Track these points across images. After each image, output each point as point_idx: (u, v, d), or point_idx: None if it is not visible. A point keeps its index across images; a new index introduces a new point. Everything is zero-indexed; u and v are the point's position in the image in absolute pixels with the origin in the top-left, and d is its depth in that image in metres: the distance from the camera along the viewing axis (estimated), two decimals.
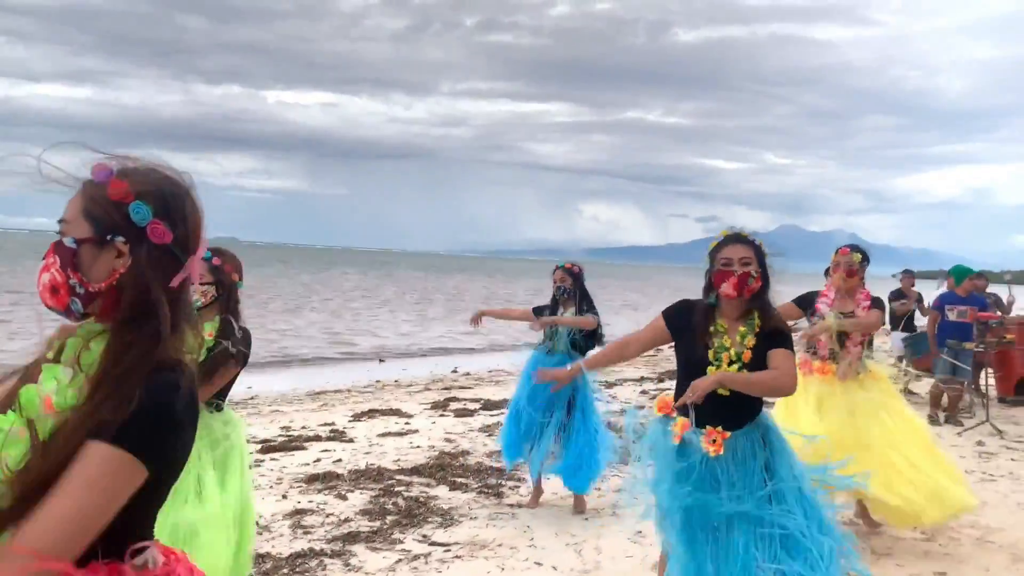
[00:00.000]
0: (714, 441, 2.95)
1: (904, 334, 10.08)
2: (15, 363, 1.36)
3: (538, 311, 5.22)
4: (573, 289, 5.07)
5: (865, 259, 4.65)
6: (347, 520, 4.85)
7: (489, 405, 9.16)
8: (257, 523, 4.71)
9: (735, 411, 2.98)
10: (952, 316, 8.33)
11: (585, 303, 5.06)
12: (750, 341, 3.02)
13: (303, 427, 8.10)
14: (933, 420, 8.12)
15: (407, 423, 8.12)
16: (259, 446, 6.93)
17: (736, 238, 3.07)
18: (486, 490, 5.56)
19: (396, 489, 5.54)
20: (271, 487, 5.59)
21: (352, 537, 4.53)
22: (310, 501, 5.25)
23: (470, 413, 8.77)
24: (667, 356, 14.46)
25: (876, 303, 4.58)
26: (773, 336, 2.99)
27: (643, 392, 10.65)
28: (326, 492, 5.46)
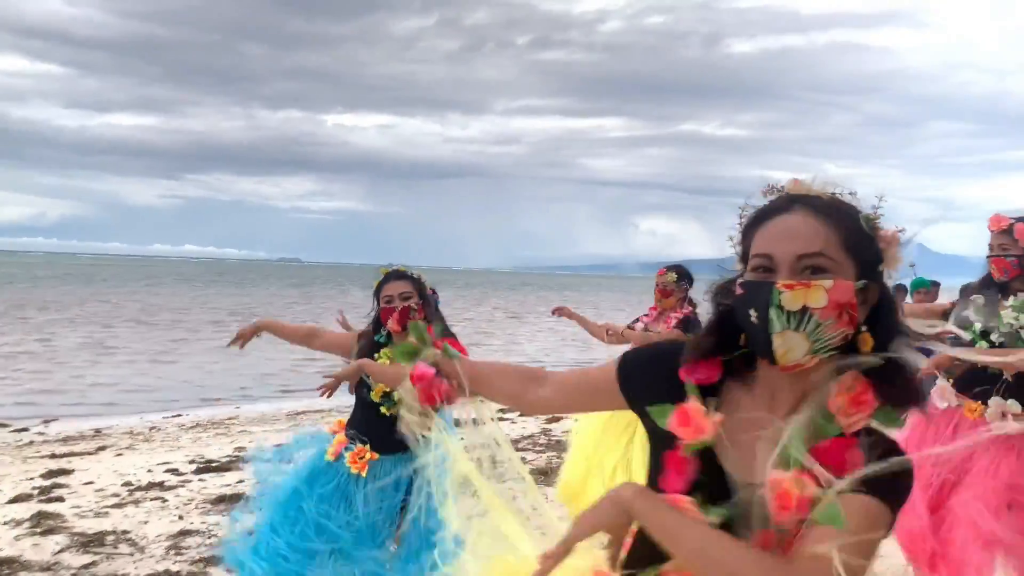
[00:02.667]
0: (360, 458, 3.09)
1: None
2: None
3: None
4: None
5: (683, 279, 4.58)
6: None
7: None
8: (133, 544, 4.83)
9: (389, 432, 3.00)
10: None
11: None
12: None
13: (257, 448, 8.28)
14: None
15: None
16: (194, 466, 7.10)
17: (395, 275, 3.28)
18: None
19: None
20: (177, 508, 5.71)
21: (216, 559, 4.59)
22: (203, 522, 5.33)
23: None
24: None
25: (683, 324, 4.40)
26: None
27: None
28: (227, 513, 5.54)
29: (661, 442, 1.23)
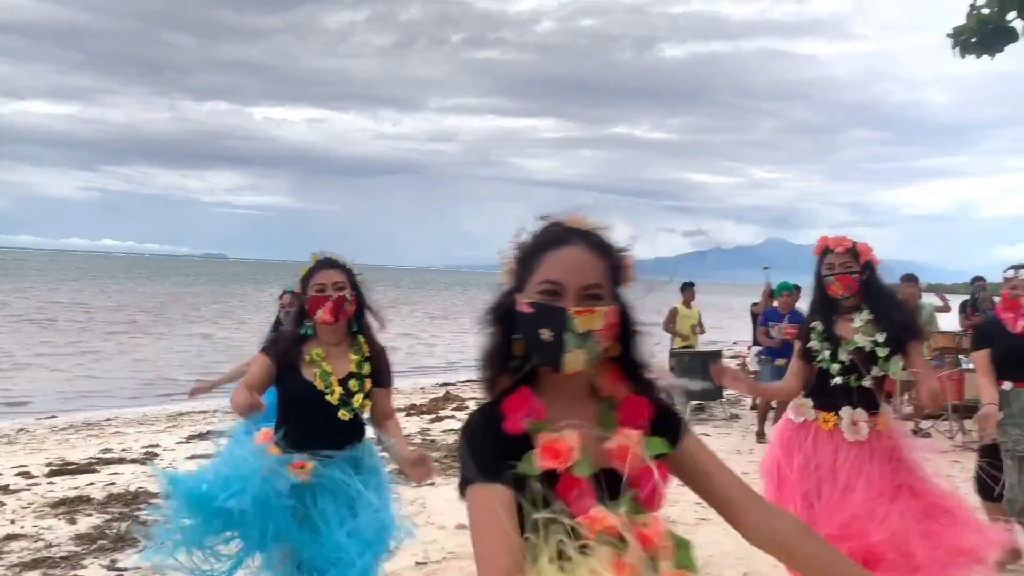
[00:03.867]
0: (302, 468, 2.96)
1: (758, 347, 10.16)
2: None
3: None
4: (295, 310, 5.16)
5: None
6: (52, 546, 4.87)
7: None
8: None
9: (339, 431, 3.07)
10: (774, 332, 8.42)
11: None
12: (366, 368, 3.10)
13: (123, 449, 8.16)
14: (761, 437, 8.26)
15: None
16: (48, 469, 6.97)
17: (328, 263, 3.09)
18: None
19: (139, 513, 5.56)
20: (14, 511, 5.62)
21: (37, 563, 4.56)
22: (34, 527, 5.27)
23: None
24: None
25: None
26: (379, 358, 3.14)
27: None
28: (61, 517, 5.48)
29: (545, 485, 1.30)
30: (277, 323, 5.19)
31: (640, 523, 1.29)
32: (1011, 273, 4.27)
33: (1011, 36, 7.46)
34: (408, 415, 10.04)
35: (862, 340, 3.33)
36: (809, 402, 3.43)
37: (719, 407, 10.01)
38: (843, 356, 3.34)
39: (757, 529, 1.41)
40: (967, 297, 10.31)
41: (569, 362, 1.34)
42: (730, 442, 8.47)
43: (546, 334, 1.34)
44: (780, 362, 8.29)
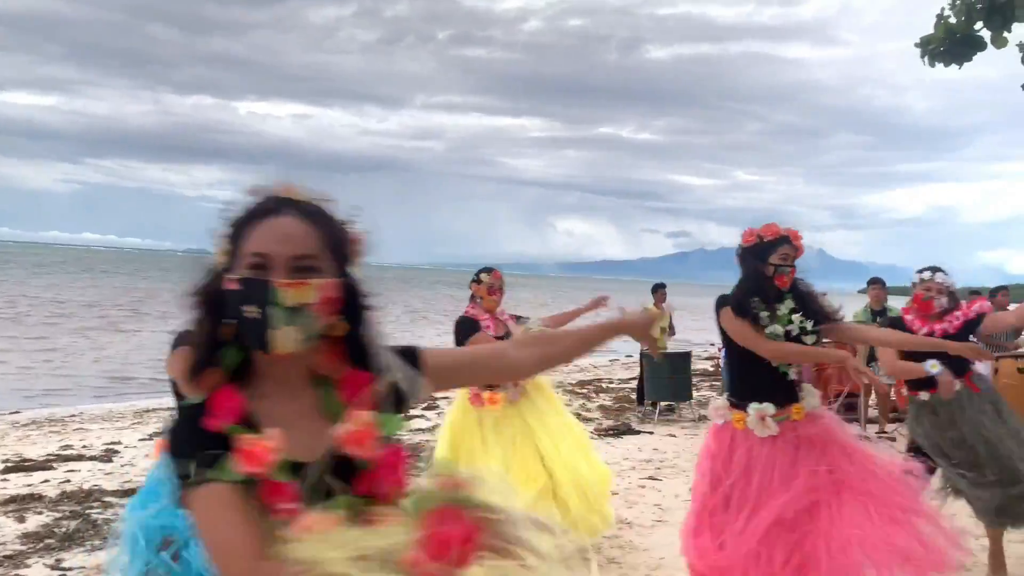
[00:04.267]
0: None
1: None
2: None
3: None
4: None
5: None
6: None
7: None
8: None
9: None
10: None
11: None
12: None
13: (84, 446, 8.05)
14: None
15: None
16: (2, 466, 6.86)
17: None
18: None
19: (89, 511, 5.47)
20: None
21: None
22: None
23: None
24: None
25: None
26: None
27: None
28: (10, 515, 5.39)
29: (247, 489, 1.19)
30: None
31: (373, 515, 1.19)
32: (927, 275, 4.24)
33: (979, 45, 7.52)
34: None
35: (794, 326, 3.26)
36: (725, 402, 3.38)
37: (688, 408, 10.02)
38: (780, 331, 3.30)
39: (520, 363, 1.58)
40: None
41: (278, 340, 1.22)
42: (699, 443, 8.46)
43: (252, 311, 1.21)
44: None
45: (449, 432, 4.57)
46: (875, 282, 9.12)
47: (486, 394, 4.43)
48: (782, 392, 3.28)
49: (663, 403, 9.88)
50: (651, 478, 6.82)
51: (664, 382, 9.69)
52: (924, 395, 4.07)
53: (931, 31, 7.55)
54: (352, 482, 1.25)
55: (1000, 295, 8.86)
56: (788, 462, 3.17)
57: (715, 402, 3.46)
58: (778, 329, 3.26)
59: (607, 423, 9.45)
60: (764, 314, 3.27)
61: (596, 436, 8.18)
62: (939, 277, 4.20)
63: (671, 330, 10.91)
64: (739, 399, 3.37)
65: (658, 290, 9.94)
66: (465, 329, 4.46)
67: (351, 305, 1.32)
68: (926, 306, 4.16)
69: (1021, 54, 7.74)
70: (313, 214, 1.29)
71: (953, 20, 7.39)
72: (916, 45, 7.60)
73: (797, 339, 3.28)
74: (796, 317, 3.28)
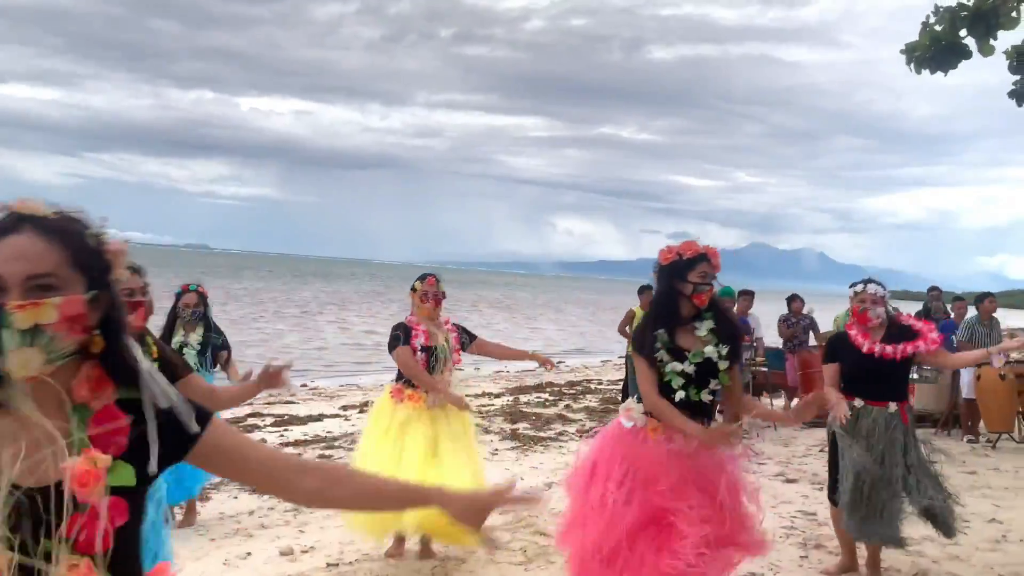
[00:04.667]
0: None
1: None
2: None
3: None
4: (202, 310, 5.16)
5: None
6: None
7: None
8: None
9: None
10: None
11: (212, 327, 5.19)
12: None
13: None
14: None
15: None
16: None
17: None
18: None
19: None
20: None
21: None
22: None
23: None
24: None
25: (460, 337, 4.62)
26: None
27: None
28: None
29: None
30: (171, 320, 5.12)
31: (71, 564, 1.18)
32: (860, 287, 4.28)
33: (964, 53, 7.50)
34: (361, 412, 9.99)
35: (711, 351, 3.21)
36: (641, 407, 3.26)
37: None
38: (688, 368, 3.18)
39: (316, 493, 1.41)
40: (921, 306, 10.44)
41: (15, 364, 1.19)
42: None
43: None
44: None
45: (370, 422, 4.65)
46: (794, 299, 9.29)
47: (408, 391, 4.48)
48: (691, 413, 3.20)
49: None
50: None
51: None
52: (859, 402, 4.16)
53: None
54: (68, 521, 1.20)
55: (987, 301, 8.91)
56: (693, 479, 3.17)
57: (630, 403, 3.35)
58: (676, 367, 3.18)
59: (589, 424, 9.48)
60: (662, 353, 3.20)
61: (576, 437, 8.22)
62: (871, 288, 4.26)
63: None
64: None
65: (644, 291, 9.96)
66: (395, 337, 4.50)
67: (108, 321, 1.28)
68: (862, 318, 4.21)
69: (1008, 61, 7.76)
70: (54, 230, 1.25)
71: (938, 28, 7.37)
72: (902, 52, 7.58)
73: (712, 367, 3.21)
74: (709, 348, 3.20)
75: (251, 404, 10.53)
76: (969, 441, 8.59)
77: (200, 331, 5.12)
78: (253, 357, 11.25)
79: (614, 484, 3.17)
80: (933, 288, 10.79)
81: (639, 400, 3.28)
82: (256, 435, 8.18)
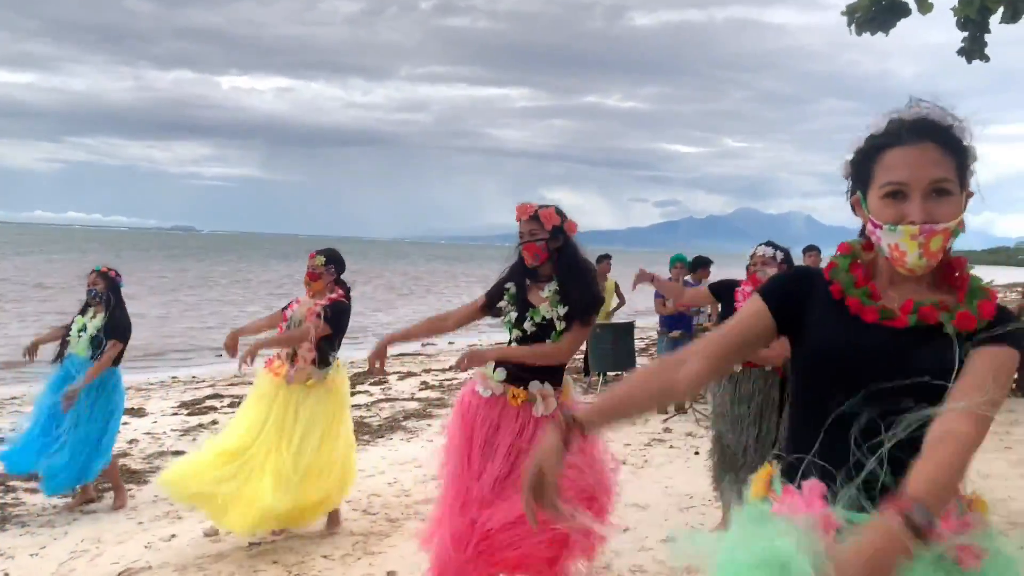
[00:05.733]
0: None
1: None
2: None
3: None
4: (106, 293, 5.07)
5: (332, 262, 4.52)
6: None
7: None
8: None
9: None
10: (671, 305, 8.49)
11: (119, 309, 5.12)
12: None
13: None
14: (662, 408, 8.35)
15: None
16: None
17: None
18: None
19: None
20: None
21: None
22: None
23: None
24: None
25: (332, 309, 4.41)
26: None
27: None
28: None
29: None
30: (87, 303, 5.14)
31: None
32: (761, 250, 4.34)
33: (903, 11, 7.50)
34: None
35: (547, 311, 3.23)
36: (501, 373, 3.24)
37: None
38: (527, 325, 3.24)
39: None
40: None
41: None
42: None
43: None
44: (675, 333, 8.39)
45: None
46: (811, 249, 9.20)
47: (277, 363, 4.47)
48: (550, 376, 3.30)
49: (611, 373, 9.93)
50: None
51: (607, 350, 9.73)
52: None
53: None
54: None
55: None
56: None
57: (485, 370, 3.31)
58: (512, 316, 3.30)
59: None
60: (506, 303, 3.35)
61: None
62: (761, 250, 4.33)
63: (620, 299, 10.92)
64: (517, 373, 3.28)
65: (602, 260, 9.92)
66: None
67: None
68: (753, 279, 4.30)
69: (955, 18, 7.75)
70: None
71: None
72: (843, 13, 7.57)
73: (548, 326, 3.24)
74: (544, 307, 3.25)
75: (212, 386, 10.60)
76: None
77: (101, 316, 5.02)
78: (218, 336, 11.03)
79: (477, 460, 3.19)
80: None
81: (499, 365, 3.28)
82: (213, 416, 8.19)
